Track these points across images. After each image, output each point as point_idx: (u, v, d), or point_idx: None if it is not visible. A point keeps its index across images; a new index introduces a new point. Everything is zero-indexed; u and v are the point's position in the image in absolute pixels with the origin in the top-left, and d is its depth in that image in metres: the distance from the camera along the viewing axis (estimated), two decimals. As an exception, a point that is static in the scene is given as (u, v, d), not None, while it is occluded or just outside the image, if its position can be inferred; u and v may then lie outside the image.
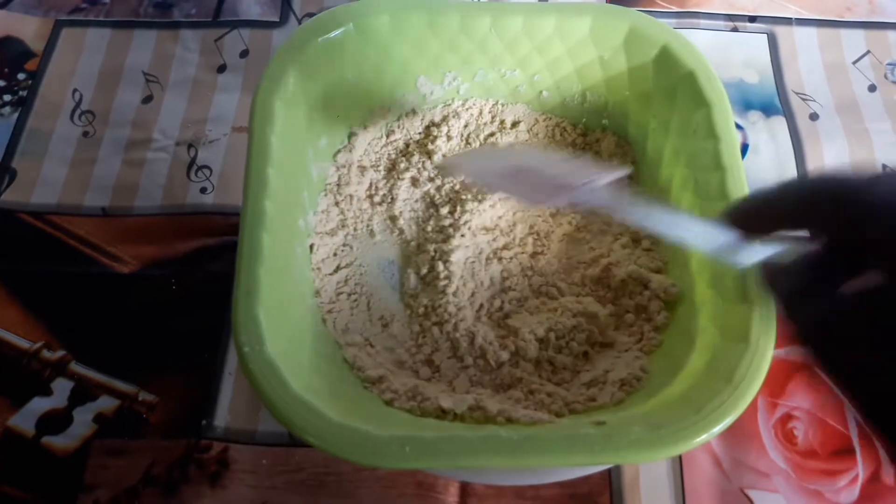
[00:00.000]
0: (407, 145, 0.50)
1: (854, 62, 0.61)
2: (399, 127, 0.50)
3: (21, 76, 0.59)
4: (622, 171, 0.36)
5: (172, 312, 0.49)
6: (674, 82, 0.45)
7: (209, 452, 0.44)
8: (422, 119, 0.51)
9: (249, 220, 0.37)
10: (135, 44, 0.61)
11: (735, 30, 0.62)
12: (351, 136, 0.49)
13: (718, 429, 0.32)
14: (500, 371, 0.41)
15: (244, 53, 0.60)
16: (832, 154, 0.55)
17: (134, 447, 0.44)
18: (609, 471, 0.43)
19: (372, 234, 0.47)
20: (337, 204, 0.47)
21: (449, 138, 0.50)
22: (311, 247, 0.44)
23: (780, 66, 0.60)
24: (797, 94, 0.59)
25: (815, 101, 0.58)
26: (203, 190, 0.53)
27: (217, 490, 0.43)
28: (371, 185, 0.48)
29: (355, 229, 0.47)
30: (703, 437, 0.32)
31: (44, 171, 0.54)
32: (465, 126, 0.51)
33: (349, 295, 0.44)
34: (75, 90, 0.58)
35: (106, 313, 0.49)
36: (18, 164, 0.55)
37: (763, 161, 0.55)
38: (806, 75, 0.60)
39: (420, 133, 0.51)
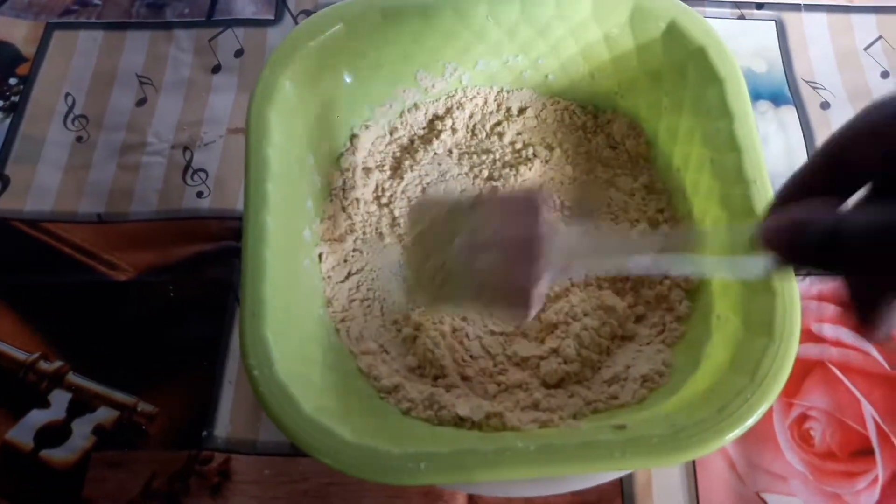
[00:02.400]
0: (411, 141, 0.49)
1: (865, 48, 0.59)
2: (402, 123, 0.49)
3: (12, 81, 0.58)
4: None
5: (170, 320, 0.48)
6: (684, 58, 0.43)
7: (210, 464, 0.43)
8: (425, 113, 0.49)
9: (251, 238, 0.36)
10: (127, 45, 0.59)
11: (742, 17, 0.61)
12: (353, 137, 0.48)
13: (741, 430, 0.31)
14: (517, 373, 0.40)
15: (239, 53, 0.59)
16: (844, 143, 0.54)
17: (134, 459, 0.43)
18: (621, 476, 0.42)
19: (381, 236, 0.46)
20: (344, 209, 0.46)
21: (454, 131, 0.49)
22: (320, 256, 0.43)
23: (788, 53, 0.59)
24: (807, 82, 0.57)
25: (825, 89, 0.57)
26: (199, 194, 0.52)
27: (219, 502, 0.42)
28: (377, 186, 0.47)
29: (364, 233, 0.46)
30: (726, 439, 0.31)
31: (37, 177, 0.53)
32: (471, 117, 0.49)
33: (362, 301, 0.43)
34: (68, 94, 0.57)
35: (103, 322, 0.48)
36: (11, 171, 0.54)
37: (773, 152, 0.54)
38: (816, 63, 0.58)
39: (424, 128, 0.49)
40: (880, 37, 0.60)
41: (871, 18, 0.61)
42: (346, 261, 0.44)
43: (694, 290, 0.41)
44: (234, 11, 0.61)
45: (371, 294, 0.43)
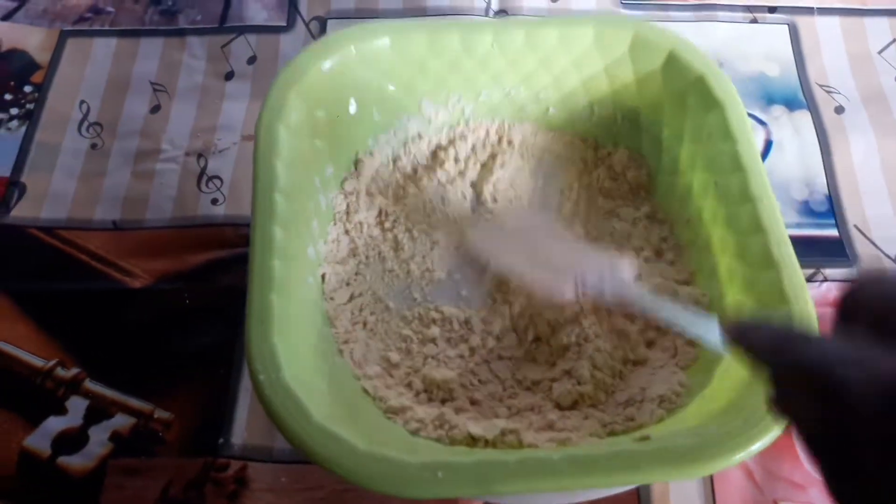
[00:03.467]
0: (415, 170, 0.49)
1: (880, 51, 0.59)
2: (405, 152, 0.49)
3: (27, 89, 0.58)
4: (631, 265, 0.39)
5: (186, 327, 0.48)
6: (684, 88, 0.44)
7: (226, 471, 0.43)
8: (428, 143, 0.50)
9: (259, 247, 0.36)
10: (141, 52, 0.60)
11: (754, 21, 0.61)
12: (357, 162, 0.48)
13: (769, 438, 0.31)
14: (529, 397, 0.40)
15: (252, 60, 0.59)
16: (860, 148, 0.54)
17: (150, 466, 0.44)
18: (637, 486, 0.42)
19: (384, 260, 0.46)
20: (347, 232, 0.46)
21: (456, 161, 0.49)
22: (323, 276, 0.43)
23: (802, 57, 0.59)
24: (821, 86, 0.57)
25: (840, 93, 0.57)
26: (214, 201, 0.52)
27: (235, 509, 0.42)
28: (381, 211, 0.47)
29: (367, 257, 0.46)
30: (755, 448, 0.31)
31: (53, 185, 0.54)
32: (472, 148, 0.50)
33: (364, 324, 0.43)
34: (82, 101, 0.57)
35: (119, 329, 0.48)
36: (27, 178, 0.54)
37: (788, 157, 0.54)
38: (830, 67, 0.58)
39: (427, 157, 0.50)
40: (894, 40, 0.59)
41: (885, 21, 0.60)
42: (348, 283, 0.44)
43: (706, 311, 0.41)
44: (246, 18, 0.61)
45: (373, 318, 0.43)
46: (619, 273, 0.38)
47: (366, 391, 0.39)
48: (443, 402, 0.40)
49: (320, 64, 0.43)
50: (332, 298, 0.43)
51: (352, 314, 0.43)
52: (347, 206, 0.47)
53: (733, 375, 0.35)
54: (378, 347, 0.42)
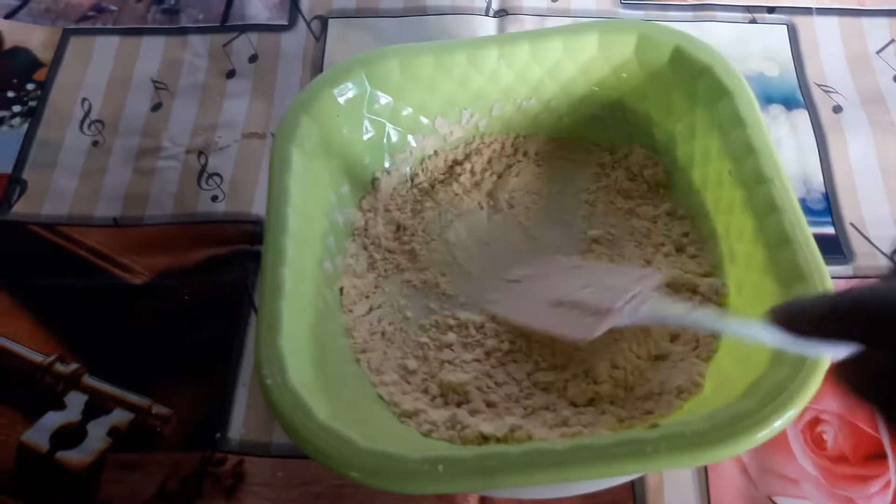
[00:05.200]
0: (432, 186, 0.50)
1: (878, 52, 0.59)
2: (423, 170, 0.50)
3: (30, 86, 0.58)
4: (656, 277, 0.38)
5: (185, 323, 0.48)
6: (692, 81, 0.44)
7: (224, 466, 0.43)
8: (444, 159, 0.50)
9: (270, 257, 0.37)
10: (143, 51, 0.60)
11: (753, 21, 0.61)
12: (374, 181, 0.48)
13: (784, 420, 0.30)
14: (543, 397, 0.40)
15: (253, 58, 0.60)
16: (857, 148, 0.54)
17: (148, 461, 0.44)
18: (633, 480, 0.42)
19: (402, 272, 0.46)
20: (365, 248, 0.47)
21: (472, 174, 0.49)
22: (341, 290, 0.44)
23: (800, 57, 0.59)
24: (819, 86, 0.57)
25: (838, 93, 0.57)
26: (214, 198, 0.53)
27: (232, 504, 0.42)
28: (399, 226, 0.48)
29: (385, 270, 0.46)
30: (768, 431, 0.30)
31: (54, 182, 0.54)
32: (489, 161, 0.50)
33: (382, 334, 0.43)
34: (84, 99, 0.58)
35: (118, 325, 0.48)
36: (29, 175, 0.54)
37: (786, 156, 0.54)
38: (828, 67, 0.58)
39: (444, 173, 0.50)
40: (893, 40, 0.60)
41: (884, 22, 0.60)
42: (367, 297, 0.45)
43: (726, 303, 0.41)
44: (247, 17, 0.62)
45: (391, 328, 0.44)
46: (649, 292, 0.36)
47: (381, 397, 0.40)
48: (458, 405, 0.40)
49: (332, 90, 0.44)
50: (350, 311, 0.43)
51: (370, 325, 0.44)
52: (366, 222, 0.47)
53: (752, 363, 0.35)
54: (396, 356, 0.42)
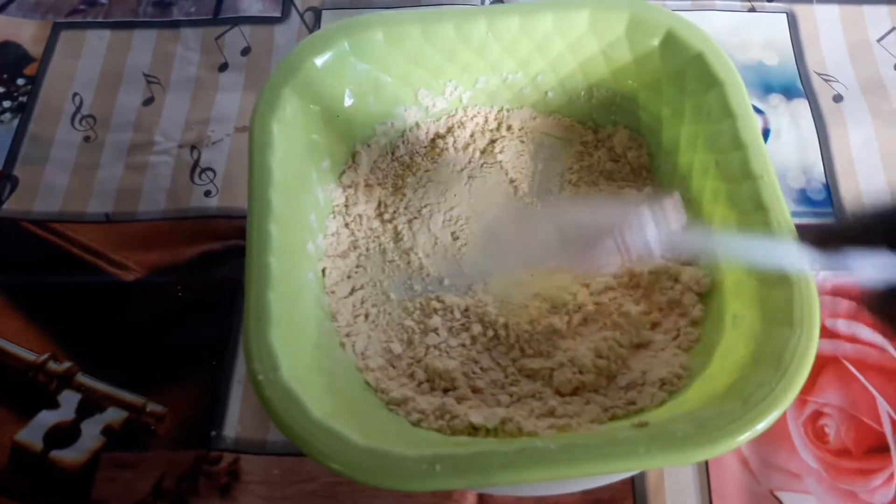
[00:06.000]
0: (412, 158, 0.49)
1: (879, 40, 0.58)
2: (404, 142, 0.49)
3: (20, 81, 0.58)
4: (676, 211, 0.35)
5: (179, 320, 0.48)
6: (682, 66, 0.43)
7: (219, 464, 0.43)
8: (426, 132, 0.49)
9: (255, 245, 0.36)
10: (134, 44, 0.59)
11: (752, 10, 0.60)
12: (354, 154, 0.48)
13: (768, 421, 0.30)
14: (529, 384, 0.39)
15: (246, 51, 0.59)
16: (858, 137, 0.53)
17: (143, 460, 0.43)
18: (634, 473, 0.42)
19: (385, 252, 0.45)
20: (346, 225, 0.46)
21: (456, 150, 0.49)
22: (324, 271, 0.43)
23: (800, 46, 0.58)
24: (819, 75, 0.57)
25: (838, 81, 0.56)
26: (207, 193, 0.52)
27: (228, 502, 0.42)
28: (380, 203, 0.47)
29: (367, 249, 0.45)
30: (753, 431, 0.30)
31: (45, 178, 0.53)
32: (472, 135, 0.49)
33: (366, 317, 0.43)
34: (75, 94, 0.57)
35: (112, 322, 0.48)
36: (20, 171, 0.54)
37: (785, 146, 0.53)
38: (828, 55, 0.58)
39: (426, 146, 0.49)
40: (893, 28, 0.59)
41: (884, 10, 0.60)
42: (349, 276, 0.44)
43: (706, 293, 0.41)
44: (240, 9, 0.61)
45: (375, 310, 0.43)
46: (666, 225, 0.35)
47: (368, 384, 0.39)
48: (445, 391, 0.39)
49: (314, 59, 0.43)
50: (333, 292, 0.43)
51: (353, 307, 0.43)
52: (346, 198, 0.46)
53: (734, 357, 0.35)
54: (380, 339, 0.42)
